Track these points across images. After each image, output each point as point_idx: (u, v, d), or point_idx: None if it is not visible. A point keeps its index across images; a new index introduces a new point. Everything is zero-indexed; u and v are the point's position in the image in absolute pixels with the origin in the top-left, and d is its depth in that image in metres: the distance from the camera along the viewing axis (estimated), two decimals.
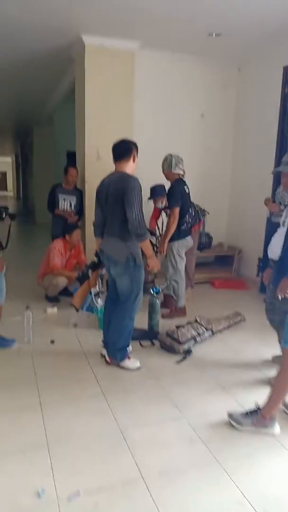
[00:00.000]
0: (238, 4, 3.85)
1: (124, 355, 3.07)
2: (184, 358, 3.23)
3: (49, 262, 4.49)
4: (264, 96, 5.19)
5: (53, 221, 5.18)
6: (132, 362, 3.07)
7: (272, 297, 2.76)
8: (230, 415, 2.38)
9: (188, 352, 3.30)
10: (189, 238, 4.24)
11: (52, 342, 3.51)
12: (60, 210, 5.10)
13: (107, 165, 4.99)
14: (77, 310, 3.29)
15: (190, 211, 4.18)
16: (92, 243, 5.14)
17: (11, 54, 5.39)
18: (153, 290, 3.75)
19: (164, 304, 4.41)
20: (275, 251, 2.67)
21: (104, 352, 3.15)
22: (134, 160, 2.94)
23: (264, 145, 5.15)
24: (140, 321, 3.56)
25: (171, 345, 3.30)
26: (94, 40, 4.73)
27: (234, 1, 3.80)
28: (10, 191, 29.92)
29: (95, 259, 3.22)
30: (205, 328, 3.56)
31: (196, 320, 3.63)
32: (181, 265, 4.18)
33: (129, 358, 3.09)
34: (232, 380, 2.93)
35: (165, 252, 4.10)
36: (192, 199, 4.46)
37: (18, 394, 2.66)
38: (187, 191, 4.15)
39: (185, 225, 4.12)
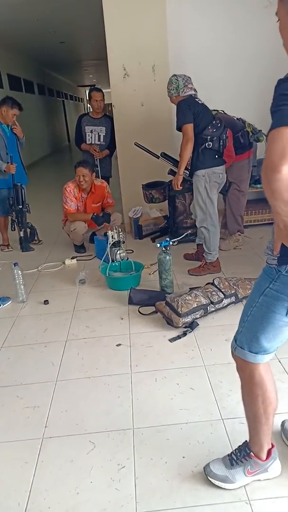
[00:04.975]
0: None
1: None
2: (184, 334, 2.48)
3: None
4: None
5: (83, 158, 4.50)
6: None
7: None
8: (207, 469, 1.52)
9: (191, 326, 2.53)
10: (219, 169, 3.16)
11: (46, 302, 3.06)
12: (87, 145, 4.39)
13: (137, 85, 4.09)
14: None
15: (215, 122, 3.10)
16: (129, 182, 4.39)
17: None
18: (160, 243, 2.95)
19: (196, 256, 3.59)
20: None
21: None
22: None
23: None
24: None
25: (169, 317, 2.56)
26: None
27: None
28: None
29: None
30: (224, 293, 2.68)
31: (213, 283, 2.75)
32: (212, 208, 3.22)
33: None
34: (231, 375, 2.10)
35: (179, 187, 3.22)
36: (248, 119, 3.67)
37: None
38: (200, 101, 3.12)
39: (209, 146, 3.07)
